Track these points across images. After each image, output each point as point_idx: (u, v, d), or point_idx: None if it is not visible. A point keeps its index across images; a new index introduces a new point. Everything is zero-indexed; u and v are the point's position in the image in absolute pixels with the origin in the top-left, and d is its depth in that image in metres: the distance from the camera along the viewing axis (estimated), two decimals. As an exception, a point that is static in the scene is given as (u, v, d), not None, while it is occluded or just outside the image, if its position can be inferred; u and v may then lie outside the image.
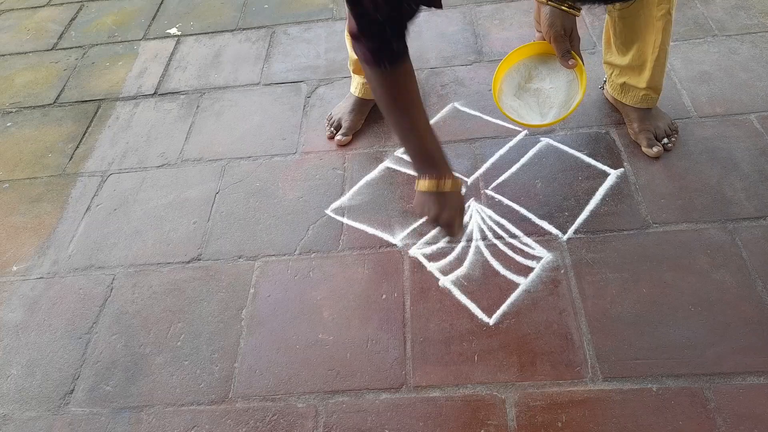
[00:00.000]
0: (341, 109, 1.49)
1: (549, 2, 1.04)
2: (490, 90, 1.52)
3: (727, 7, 1.65)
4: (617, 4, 1.17)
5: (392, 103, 1.01)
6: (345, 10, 1.37)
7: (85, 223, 1.38)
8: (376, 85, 1.00)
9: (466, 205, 1.27)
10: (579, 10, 1.07)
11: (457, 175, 1.05)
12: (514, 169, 1.33)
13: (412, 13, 0.90)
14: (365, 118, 1.50)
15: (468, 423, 0.96)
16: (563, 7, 1.05)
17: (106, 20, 2.07)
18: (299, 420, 0.99)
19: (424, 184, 1.03)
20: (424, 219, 1.12)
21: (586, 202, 1.24)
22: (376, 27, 0.88)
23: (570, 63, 1.09)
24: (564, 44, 1.08)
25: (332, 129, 1.47)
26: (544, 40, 1.12)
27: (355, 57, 1.39)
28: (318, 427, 0.98)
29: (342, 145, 1.45)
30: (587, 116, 1.42)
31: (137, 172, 1.49)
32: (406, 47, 0.94)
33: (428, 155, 1.04)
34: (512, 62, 1.17)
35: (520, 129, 1.41)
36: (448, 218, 1.04)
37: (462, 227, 1.11)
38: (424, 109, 1.03)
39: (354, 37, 0.93)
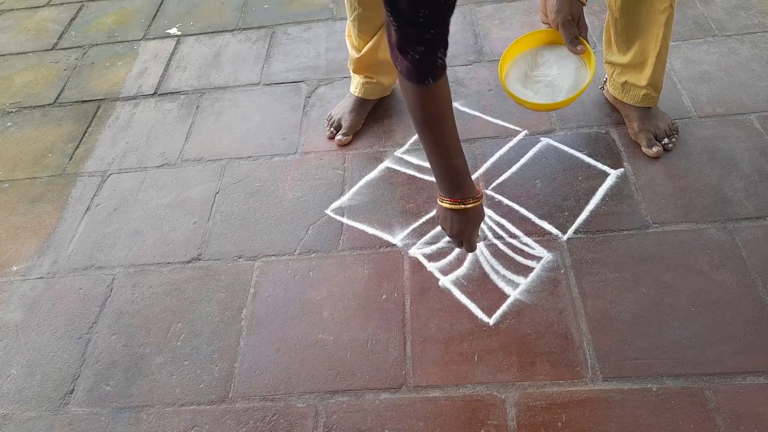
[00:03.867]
0: (341, 109, 1.49)
1: None
2: (491, 90, 1.52)
3: (727, 7, 1.65)
4: None
5: (429, 118, 0.95)
6: (344, 10, 1.37)
7: (85, 223, 1.38)
8: (414, 100, 0.92)
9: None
10: None
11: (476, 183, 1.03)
12: (514, 169, 1.33)
13: (452, 10, 0.82)
14: (365, 118, 1.50)
15: (468, 423, 0.96)
16: None
17: (106, 20, 2.07)
18: (299, 420, 0.99)
19: (448, 203, 1.01)
20: (441, 231, 1.10)
21: (586, 202, 1.24)
22: (423, 38, 0.81)
23: (578, 48, 1.08)
24: (572, 30, 1.07)
25: (332, 129, 1.47)
26: (551, 29, 1.12)
27: (356, 56, 1.40)
28: (318, 427, 0.98)
29: (342, 145, 1.45)
30: (587, 116, 1.42)
31: (137, 172, 1.49)
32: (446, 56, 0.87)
33: (458, 175, 1.00)
34: (519, 51, 1.16)
35: (520, 129, 1.41)
36: (468, 235, 1.05)
37: (477, 239, 1.10)
38: (455, 123, 0.96)
39: (400, 50, 0.84)
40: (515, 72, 1.16)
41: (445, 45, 0.86)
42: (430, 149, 1.00)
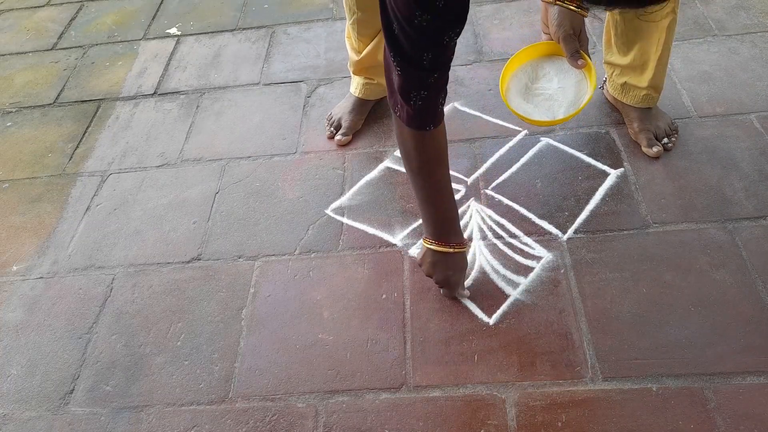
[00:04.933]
0: (341, 109, 1.49)
1: (557, 2, 1.03)
2: (491, 90, 1.52)
3: (727, 7, 1.65)
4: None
5: (426, 164, 0.95)
6: (344, 11, 1.37)
7: (85, 223, 1.38)
8: (412, 146, 0.92)
9: (466, 205, 1.27)
10: (587, 10, 1.06)
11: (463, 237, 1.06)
12: (514, 169, 1.33)
13: (453, 53, 0.82)
14: (365, 118, 1.50)
15: (468, 423, 0.96)
16: (571, 7, 1.04)
17: (106, 20, 2.07)
18: (299, 420, 0.99)
19: (436, 246, 1.02)
20: (426, 275, 1.10)
21: (586, 202, 1.24)
22: (426, 82, 0.81)
23: (579, 63, 1.07)
24: (573, 44, 1.07)
25: (332, 129, 1.47)
26: (552, 40, 1.11)
27: (356, 58, 1.40)
28: (318, 427, 0.98)
29: (342, 145, 1.45)
30: (587, 116, 1.42)
31: (137, 172, 1.49)
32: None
33: (447, 221, 1.02)
34: (519, 63, 1.15)
35: (520, 129, 1.41)
36: (453, 281, 1.07)
37: (463, 286, 1.11)
38: (449, 167, 0.98)
39: (402, 95, 0.83)
40: (515, 85, 1.15)
41: (445, 91, 0.86)
42: (425, 194, 1.00)
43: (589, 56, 1.09)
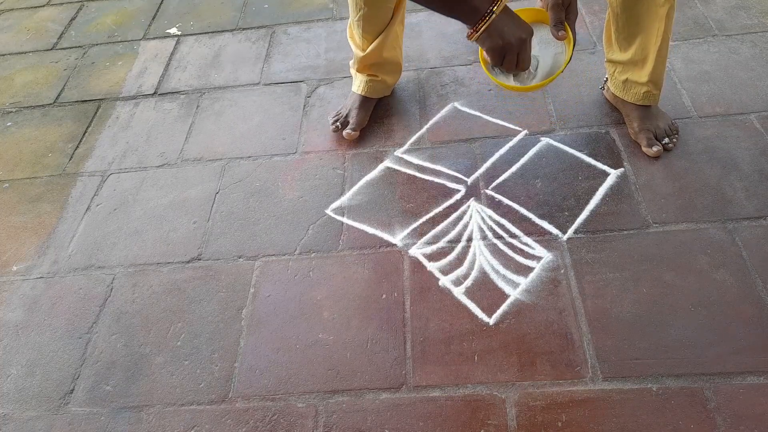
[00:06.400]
0: (347, 106, 1.49)
1: None
2: (491, 90, 1.52)
3: (727, 7, 1.65)
4: None
5: None
6: (346, 9, 1.37)
7: (85, 223, 1.38)
8: None
9: (466, 205, 1.27)
10: None
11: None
12: (514, 169, 1.33)
13: None
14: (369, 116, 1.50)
15: (468, 423, 0.96)
16: None
17: (106, 20, 2.07)
18: (299, 420, 0.99)
19: (481, 26, 0.96)
20: (500, 60, 1.03)
21: (586, 202, 1.24)
22: None
23: (560, 34, 1.06)
24: (559, 14, 1.06)
25: (338, 124, 1.47)
26: (542, 8, 1.11)
27: (361, 55, 1.40)
28: (318, 426, 0.98)
29: (350, 140, 1.45)
30: (587, 116, 1.42)
31: (137, 172, 1.49)
32: None
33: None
34: None
35: (520, 129, 1.41)
36: (518, 36, 0.99)
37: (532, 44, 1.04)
38: None
39: None
40: None
41: None
42: None
43: (573, 30, 1.08)
